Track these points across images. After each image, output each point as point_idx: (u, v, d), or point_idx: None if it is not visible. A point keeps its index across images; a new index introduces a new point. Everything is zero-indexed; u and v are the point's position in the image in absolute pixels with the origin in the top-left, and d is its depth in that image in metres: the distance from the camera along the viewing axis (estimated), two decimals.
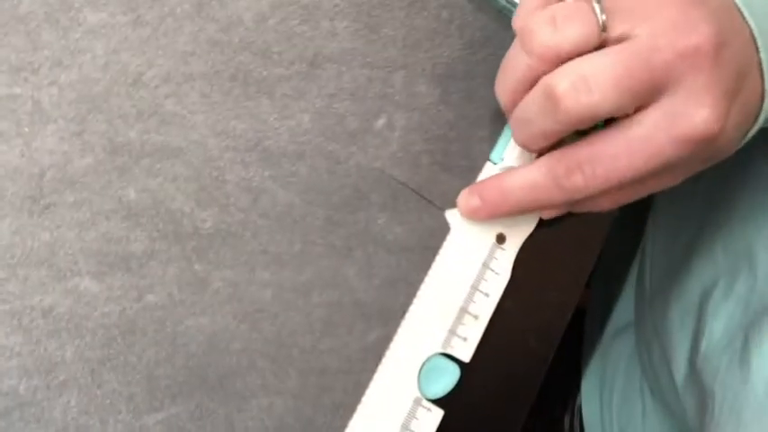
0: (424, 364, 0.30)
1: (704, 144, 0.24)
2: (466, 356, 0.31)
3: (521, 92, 0.26)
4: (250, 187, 0.28)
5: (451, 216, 0.31)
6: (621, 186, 0.26)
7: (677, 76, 0.23)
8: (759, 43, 0.25)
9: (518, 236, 0.32)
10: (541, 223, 0.33)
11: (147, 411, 0.26)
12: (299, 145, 0.29)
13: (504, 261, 0.32)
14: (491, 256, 0.31)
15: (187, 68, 0.28)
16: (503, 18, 0.32)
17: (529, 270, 0.33)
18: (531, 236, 0.32)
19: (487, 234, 0.31)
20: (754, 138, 0.29)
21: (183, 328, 0.27)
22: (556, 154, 0.26)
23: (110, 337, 0.26)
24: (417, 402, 0.30)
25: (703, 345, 0.33)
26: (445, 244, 0.31)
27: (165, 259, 0.27)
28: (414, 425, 0.30)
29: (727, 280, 0.34)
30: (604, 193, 0.26)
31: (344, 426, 0.29)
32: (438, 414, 0.30)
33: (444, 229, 0.31)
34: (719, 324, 0.33)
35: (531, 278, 0.33)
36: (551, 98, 0.24)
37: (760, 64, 0.25)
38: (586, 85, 0.23)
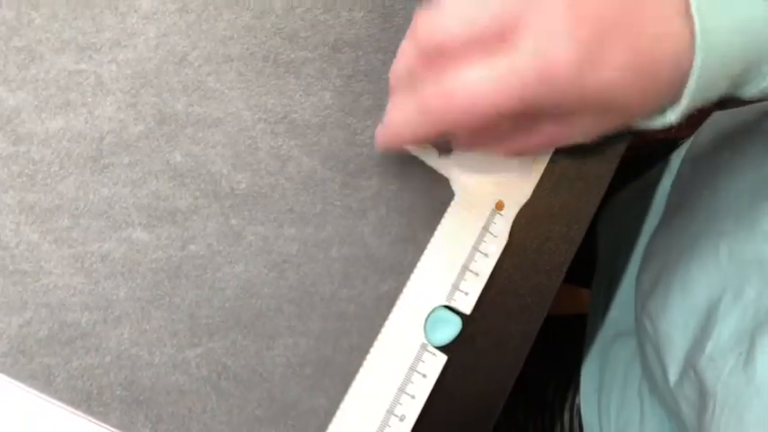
0: (429, 314, 0.34)
1: (557, 84, 0.24)
2: (467, 309, 0.35)
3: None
4: (279, 154, 0.33)
5: (456, 184, 0.35)
6: (474, 114, 0.26)
7: (527, 18, 0.24)
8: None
9: (515, 203, 0.36)
10: (537, 193, 0.37)
11: (189, 346, 0.31)
12: (321, 118, 0.33)
13: (503, 225, 0.36)
14: (490, 220, 0.36)
15: (226, 50, 0.32)
16: None
17: (525, 235, 0.37)
18: (527, 204, 0.37)
19: (488, 201, 0.36)
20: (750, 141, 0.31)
21: (221, 275, 0.31)
22: None
23: (157, 281, 0.31)
24: (424, 347, 0.34)
25: (709, 347, 0.34)
26: (450, 209, 0.35)
27: (205, 215, 0.31)
28: (420, 367, 0.34)
29: (736, 285, 0.34)
30: (457, 121, 0.26)
31: (360, 365, 0.33)
32: (442, 359, 0.34)
33: (449, 195, 0.35)
34: (728, 327, 0.33)
35: (527, 242, 0.37)
36: (422, 101, 0.27)
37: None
38: (451, 96, 0.25)
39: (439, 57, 0.26)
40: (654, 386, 0.41)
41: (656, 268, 0.43)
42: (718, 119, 0.52)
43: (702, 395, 0.34)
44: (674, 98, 0.27)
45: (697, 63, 0.25)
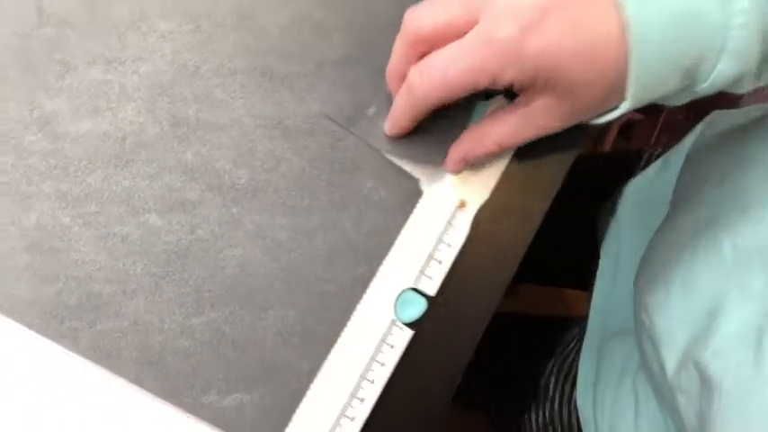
0: (399, 295, 0.40)
1: (504, 51, 0.29)
2: (431, 291, 0.41)
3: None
4: (274, 155, 0.39)
5: (424, 185, 0.42)
6: (449, 86, 0.31)
7: (486, 5, 0.30)
8: None
9: (476, 202, 0.43)
10: (496, 193, 0.43)
11: (194, 315, 0.37)
12: (310, 125, 0.40)
13: (464, 221, 0.42)
14: (454, 216, 0.42)
15: (231, 65, 0.38)
16: None
17: (484, 229, 0.43)
18: (487, 202, 0.43)
19: (452, 199, 0.42)
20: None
21: (222, 256, 0.38)
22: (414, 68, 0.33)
23: (169, 259, 0.37)
24: (393, 323, 0.40)
25: (714, 341, 0.34)
26: (418, 205, 0.41)
27: (210, 204, 0.38)
28: (390, 339, 0.40)
29: (741, 279, 0.34)
30: (439, 96, 0.32)
31: (338, 336, 0.39)
32: (408, 333, 0.41)
33: (418, 193, 0.41)
34: (735, 322, 0.34)
35: (486, 236, 0.43)
36: (408, 85, 0.33)
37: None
38: (428, 73, 0.32)
39: (424, 46, 0.32)
40: (651, 379, 0.43)
41: (656, 264, 0.44)
42: (719, 117, 0.53)
43: (707, 388, 0.34)
44: (622, 90, 0.30)
45: (633, 48, 0.28)
